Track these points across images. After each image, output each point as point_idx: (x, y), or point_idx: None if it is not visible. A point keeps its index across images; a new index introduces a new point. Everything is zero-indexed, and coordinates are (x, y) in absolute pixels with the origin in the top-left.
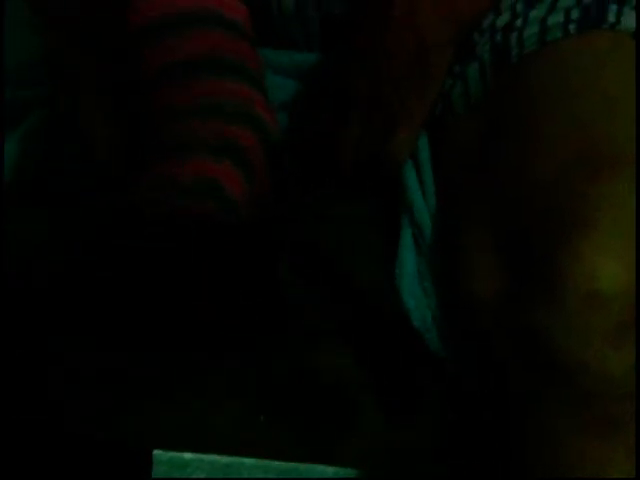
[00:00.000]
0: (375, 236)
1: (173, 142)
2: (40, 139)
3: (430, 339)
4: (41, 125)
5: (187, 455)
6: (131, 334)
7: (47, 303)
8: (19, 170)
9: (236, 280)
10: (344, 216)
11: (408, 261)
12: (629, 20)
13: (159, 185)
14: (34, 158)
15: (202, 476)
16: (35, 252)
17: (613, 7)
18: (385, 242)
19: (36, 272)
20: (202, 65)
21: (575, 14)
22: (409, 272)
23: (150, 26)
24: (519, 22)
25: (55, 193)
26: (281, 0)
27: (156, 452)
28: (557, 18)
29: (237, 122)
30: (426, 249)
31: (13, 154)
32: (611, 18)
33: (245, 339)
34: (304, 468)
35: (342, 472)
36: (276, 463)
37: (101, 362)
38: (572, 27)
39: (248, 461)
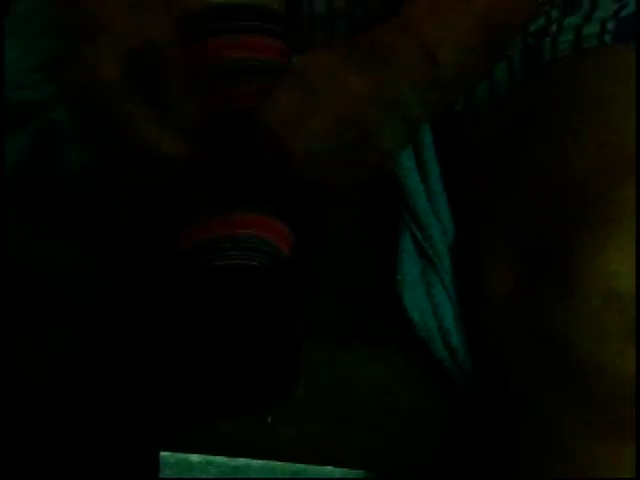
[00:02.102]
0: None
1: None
2: (43, 141)
3: (435, 348)
4: (44, 128)
5: (194, 457)
6: (139, 334)
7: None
8: (22, 171)
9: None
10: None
11: (409, 267)
12: None
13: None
14: (37, 159)
15: (209, 478)
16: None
17: None
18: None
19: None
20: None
21: (611, 26)
22: (411, 279)
23: None
24: (554, 28)
25: (58, 194)
26: (312, 1)
27: (163, 454)
28: (593, 28)
29: None
30: (431, 251)
31: (17, 156)
32: None
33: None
34: (312, 470)
35: (349, 474)
36: (283, 465)
37: (105, 362)
38: (607, 37)
39: (255, 463)
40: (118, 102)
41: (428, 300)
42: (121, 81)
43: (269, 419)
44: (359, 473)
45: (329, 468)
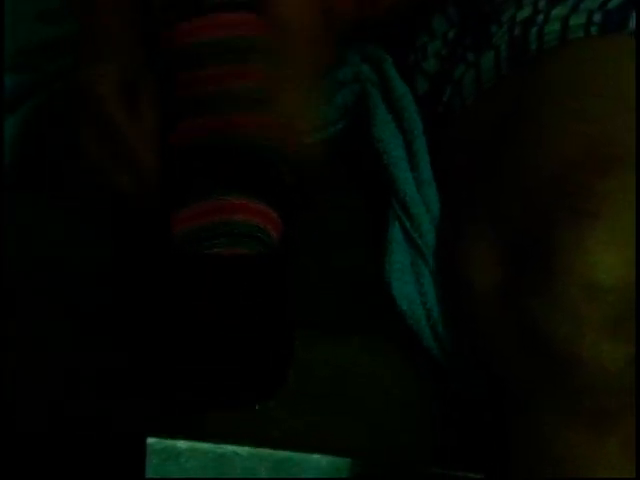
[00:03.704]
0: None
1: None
2: (39, 122)
3: (425, 338)
4: (40, 109)
5: (181, 444)
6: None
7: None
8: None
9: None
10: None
11: (398, 256)
12: None
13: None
14: (33, 141)
15: (196, 465)
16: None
17: (634, 15)
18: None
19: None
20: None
21: (597, 17)
22: (400, 268)
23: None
24: (540, 18)
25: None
26: None
27: (150, 441)
28: (579, 19)
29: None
30: (420, 241)
31: (13, 137)
32: (632, 25)
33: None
34: (299, 458)
35: (337, 462)
36: (270, 452)
37: (104, 362)
38: (594, 29)
39: (242, 450)
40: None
41: (417, 289)
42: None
43: (256, 406)
44: (345, 462)
45: (316, 456)
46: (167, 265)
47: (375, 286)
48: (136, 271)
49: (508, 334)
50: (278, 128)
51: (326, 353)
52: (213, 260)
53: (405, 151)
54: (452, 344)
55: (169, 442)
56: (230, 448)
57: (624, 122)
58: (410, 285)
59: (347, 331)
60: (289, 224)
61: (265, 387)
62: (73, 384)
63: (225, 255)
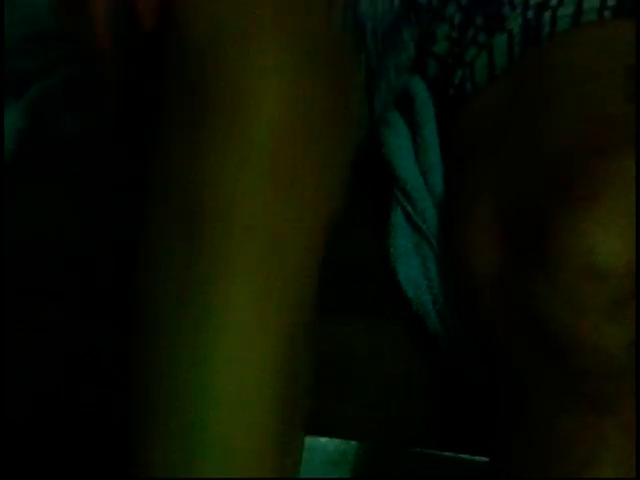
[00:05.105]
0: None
1: None
2: (42, 108)
3: (430, 322)
4: (43, 94)
5: None
6: None
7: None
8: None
9: None
10: None
11: (401, 240)
12: None
13: None
14: (36, 127)
15: None
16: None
17: None
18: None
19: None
20: None
21: (611, 1)
22: (404, 252)
23: None
24: (554, 1)
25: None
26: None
27: None
28: (593, 3)
29: None
30: (424, 225)
31: (15, 123)
32: None
33: None
34: (305, 442)
35: (343, 445)
36: None
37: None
38: (607, 13)
39: None
40: None
41: (423, 274)
42: None
43: None
44: (351, 445)
45: (322, 440)
46: None
47: (378, 269)
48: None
49: (508, 317)
50: None
51: (330, 336)
52: None
53: (411, 136)
54: (457, 329)
55: None
56: None
57: (631, 106)
58: (416, 270)
59: (350, 314)
60: None
61: None
62: (71, 368)
63: None
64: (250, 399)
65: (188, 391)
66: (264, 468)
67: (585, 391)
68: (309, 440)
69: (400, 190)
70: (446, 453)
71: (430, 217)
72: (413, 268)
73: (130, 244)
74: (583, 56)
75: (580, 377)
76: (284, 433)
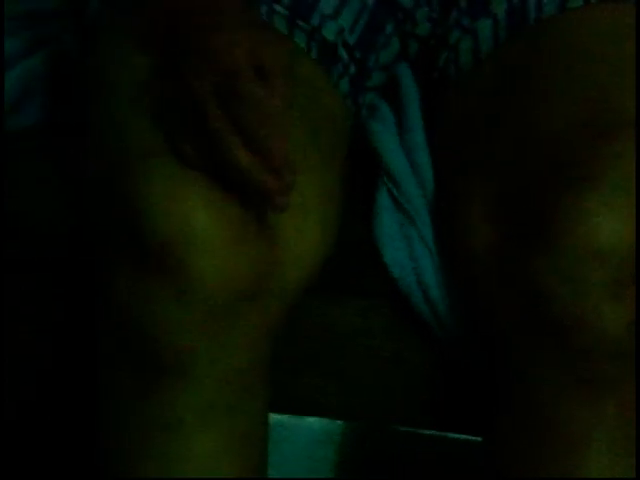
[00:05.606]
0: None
1: None
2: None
3: (416, 303)
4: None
5: None
6: None
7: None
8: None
9: None
10: None
11: (387, 222)
12: None
13: None
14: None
15: None
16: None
17: None
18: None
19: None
20: None
21: None
22: (389, 233)
23: None
24: None
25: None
26: None
27: None
28: None
29: None
30: (408, 206)
31: (14, 91)
32: None
33: None
34: (291, 421)
35: (330, 425)
36: None
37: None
38: None
39: None
40: (207, 118)
41: (408, 254)
42: (210, 97)
43: None
44: (338, 425)
45: (309, 419)
46: None
47: (365, 248)
48: None
49: (508, 301)
50: None
51: (318, 315)
52: None
53: (395, 119)
54: (445, 308)
55: None
56: None
57: (628, 88)
58: (401, 251)
59: (339, 292)
60: None
61: None
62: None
63: None
64: None
65: None
66: None
67: (584, 371)
68: (295, 419)
69: (384, 170)
70: (433, 432)
71: (413, 197)
72: (398, 250)
73: None
74: (574, 40)
75: (580, 357)
76: None
